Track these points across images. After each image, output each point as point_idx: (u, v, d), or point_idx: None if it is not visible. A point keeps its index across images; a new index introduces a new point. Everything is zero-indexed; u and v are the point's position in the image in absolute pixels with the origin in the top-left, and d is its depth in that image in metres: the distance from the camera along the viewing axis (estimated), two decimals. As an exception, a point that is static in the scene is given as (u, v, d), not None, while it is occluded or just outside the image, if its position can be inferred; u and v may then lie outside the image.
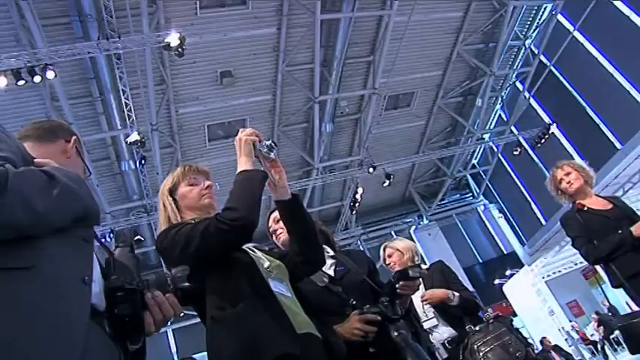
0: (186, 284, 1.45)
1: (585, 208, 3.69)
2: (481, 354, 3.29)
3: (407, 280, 2.54)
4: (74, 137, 1.83)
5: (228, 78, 13.42)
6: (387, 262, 4.10)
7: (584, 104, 16.49)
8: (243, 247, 2.05)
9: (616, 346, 14.95)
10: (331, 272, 2.66)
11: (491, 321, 3.53)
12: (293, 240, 2.17)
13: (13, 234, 1.08)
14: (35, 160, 1.37)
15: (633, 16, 14.28)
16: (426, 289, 3.96)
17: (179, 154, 14.29)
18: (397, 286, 2.54)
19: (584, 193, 3.79)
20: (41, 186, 1.16)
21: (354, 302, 2.49)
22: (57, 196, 1.18)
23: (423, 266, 3.82)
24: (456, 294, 3.81)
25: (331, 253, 2.82)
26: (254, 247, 2.17)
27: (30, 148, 1.64)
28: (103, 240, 1.86)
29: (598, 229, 3.57)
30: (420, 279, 2.64)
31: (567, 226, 3.76)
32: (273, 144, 2.10)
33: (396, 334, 2.36)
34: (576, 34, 15.66)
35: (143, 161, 12.56)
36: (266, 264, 2.05)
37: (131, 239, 1.62)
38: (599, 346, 15.33)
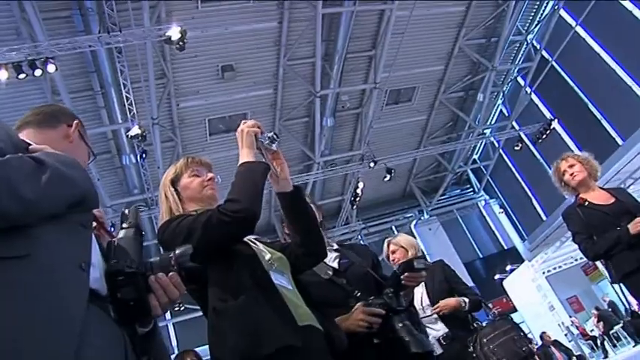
0: (190, 264, 1.44)
1: (586, 203, 3.67)
2: (491, 347, 3.38)
3: (412, 271, 2.56)
4: (76, 121, 1.79)
5: (229, 72, 13.41)
6: (391, 259, 4.13)
7: (585, 100, 16.46)
8: (245, 239, 2.05)
9: (615, 342, 14.98)
10: (335, 265, 2.66)
11: (497, 318, 3.64)
12: (294, 232, 2.17)
13: (3, 224, 1.07)
14: (30, 146, 1.36)
15: (636, 12, 14.22)
16: (427, 287, 4.01)
17: (180, 148, 14.29)
18: (402, 277, 2.55)
19: (586, 185, 3.76)
20: (29, 172, 1.14)
21: (359, 294, 2.49)
22: (46, 182, 1.15)
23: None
24: (467, 300, 3.94)
25: (335, 246, 2.83)
26: (255, 239, 2.16)
27: (31, 134, 1.63)
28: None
29: (598, 225, 3.55)
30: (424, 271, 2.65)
31: (568, 221, 3.75)
32: (275, 136, 2.09)
33: (400, 325, 2.37)
34: (578, 29, 15.59)
35: (144, 155, 12.55)
36: (267, 256, 2.04)
37: (137, 219, 1.60)
38: (598, 342, 15.36)
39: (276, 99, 14.75)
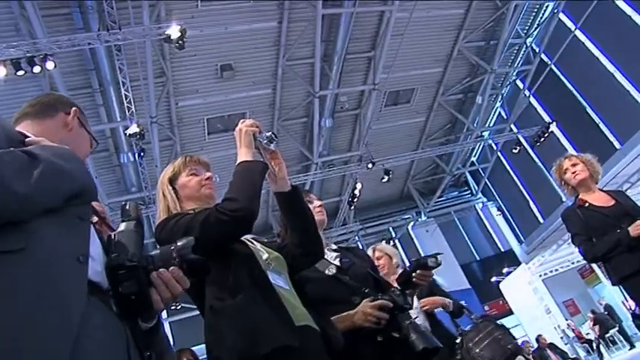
0: (192, 256, 1.43)
1: (586, 205, 3.66)
2: (477, 350, 3.40)
3: (425, 269, 2.57)
4: (74, 109, 1.77)
5: (228, 71, 13.41)
6: (376, 264, 4.17)
7: (584, 103, 16.49)
8: (243, 238, 2.05)
9: (611, 345, 15.03)
10: (337, 263, 2.66)
11: (480, 321, 3.67)
12: (292, 232, 2.17)
13: None
14: (26, 139, 1.34)
15: (635, 16, 14.26)
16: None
17: (178, 147, 14.27)
18: (414, 274, 2.55)
19: (587, 186, 3.75)
20: (21, 167, 1.12)
21: (367, 290, 2.49)
22: (39, 176, 1.14)
23: (399, 270, 3.89)
24: (450, 301, 4.04)
25: (334, 247, 2.83)
26: (253, 238, 2.16)
27: (29, 126, 1.61)
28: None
29: (597, 227, 3.54)
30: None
31: (568, 222, 3.74)
32: (273, 135, 2.10)
33: (407, 322, 2.37)
34: (578, 33, 15.65)
35: (142, 153, 12.54)
36: (265, 256, 2.05)
37: (137, 213, 1.59)
38: (594, 345, 15.39)
39: (275, 99, 14.75)
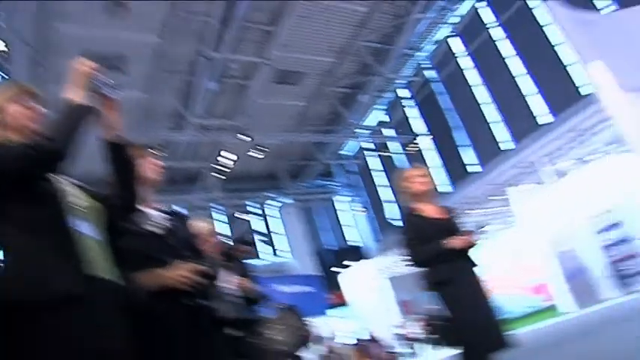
0: None
1: (420, 213, 3.94)
2: (273, 335, 3.61)
3: (244, 244, 2.64)
4: None
5: (120, 8, 12.57)
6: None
7: (455, 123, 17.61)
8: (59, 182, 1.96)
9: (433, 344, 16.30)
10: (167, 224, 2.65)
11: (281, 309, 3.90)
12: (114, 182, 2.13)
13: None
14: None
15: (510, 59, 15.52)
16: None
17: (47, 75, 13.15)
18: (232, 246, 2.61)
19: (426, 197, 4.02)
20: None
21: (187, 255, 2.50)
22: None
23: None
24: (254, 288, 4.12)
25: (165, 209, 2.82)
26: (76, 184, 2.08)
27: None
28: None
29: (427, 236, 3.81)
30: None
31: (400, 227, 4.00)
32: (114, 84, 2.03)
33: (219, 291, 2.42)
34: (466, 59, 16.79)
35: (4, 75, 11.47)
36: (80, 202, 1.98)
37: None
38: (418, 343, 16.57)
39: (163, 48, 14.14)
